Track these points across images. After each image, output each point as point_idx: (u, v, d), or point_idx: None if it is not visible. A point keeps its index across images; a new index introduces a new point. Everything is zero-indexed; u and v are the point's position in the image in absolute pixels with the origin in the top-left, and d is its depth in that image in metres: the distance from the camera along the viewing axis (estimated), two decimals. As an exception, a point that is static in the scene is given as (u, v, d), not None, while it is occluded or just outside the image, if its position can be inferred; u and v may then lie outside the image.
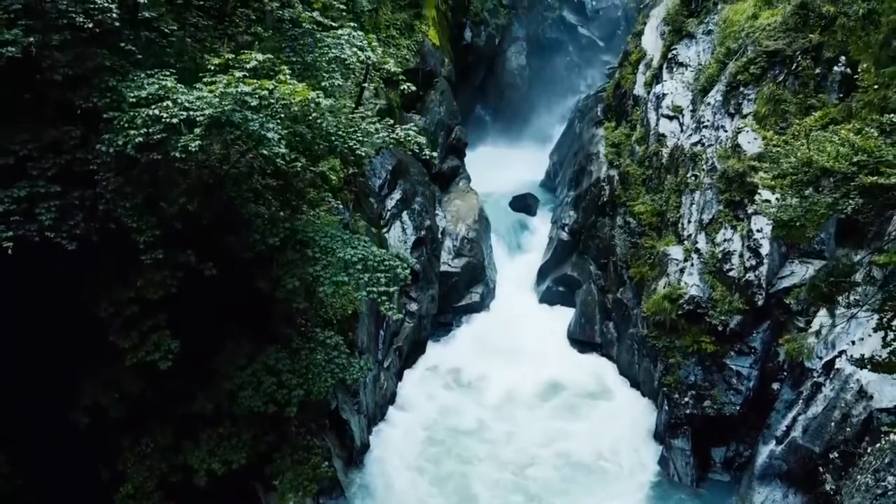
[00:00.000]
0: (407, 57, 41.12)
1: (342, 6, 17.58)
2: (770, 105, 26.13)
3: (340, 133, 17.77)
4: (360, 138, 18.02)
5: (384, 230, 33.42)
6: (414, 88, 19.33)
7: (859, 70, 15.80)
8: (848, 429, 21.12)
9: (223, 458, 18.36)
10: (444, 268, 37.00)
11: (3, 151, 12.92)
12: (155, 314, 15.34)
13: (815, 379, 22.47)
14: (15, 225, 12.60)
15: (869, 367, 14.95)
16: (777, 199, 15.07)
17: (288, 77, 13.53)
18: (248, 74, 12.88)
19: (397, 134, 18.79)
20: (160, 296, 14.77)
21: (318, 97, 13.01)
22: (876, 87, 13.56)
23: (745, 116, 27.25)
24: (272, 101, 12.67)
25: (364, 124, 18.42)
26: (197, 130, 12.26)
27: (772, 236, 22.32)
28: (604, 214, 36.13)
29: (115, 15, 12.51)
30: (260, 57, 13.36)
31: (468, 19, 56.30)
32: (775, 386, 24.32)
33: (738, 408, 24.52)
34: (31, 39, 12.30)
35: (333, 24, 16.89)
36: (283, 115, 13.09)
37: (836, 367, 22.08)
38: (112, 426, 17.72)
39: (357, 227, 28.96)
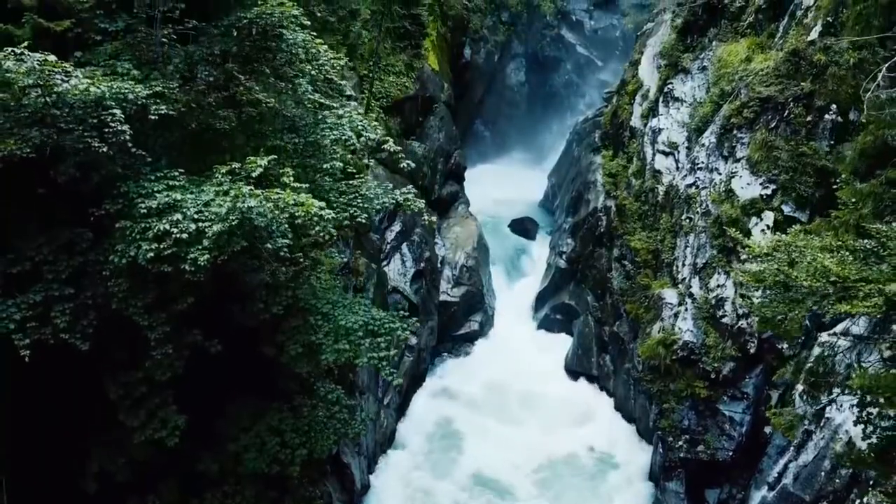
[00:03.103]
0: (406, 84, 41.61)
1: (339, 82, 17.96)
2: (763, 151, 26.56)
3: (342, 200, 18.33)
4: (361, 204, 18.55)
5: (384, 263, 33.88)
6: (403, 156, 19.74)
7: (838, 180, 16.28)
8: (837, 480, 21.60)
9: (227, 517, 18.92)
10: (443, 297, 37.47)
11: (21, 257, 13.46)
12: (162, 391, 15.85)
13: (806, 426, 22.98)
14: (31, 330, 13.13)
15: (849, 463, 15.43)
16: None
17: (291, 178, 14.02)
18: (253, 186, 13.39)
19: (397, 197, 19.28)
20: (168, 377, 15.28)
21: (322, 209, 13.50)
22: (854, 200, 14.00)
23: (738, 160, 27.71)
24: (277, 211, 13.18)
25: (364, 190, 18.94)
26: (206, 242, 12.76)
27: (758, 329, 22.82)
28: (601, 245, 36.65)
29: (127, 137, 13.00)
30: (264, 162, 13.87)
31: (468, 37, 56.69)
32: (768, 430, 24.77)
33: (730, 453, 25.01)
34: (48, 141, 12.83)
35: (334, 104, 17.37)
36: (287, 225, 13.60)
37: (826, 415, 22.59)
38: (118, 487, 18.20)
39: (357, 265, 29.47)
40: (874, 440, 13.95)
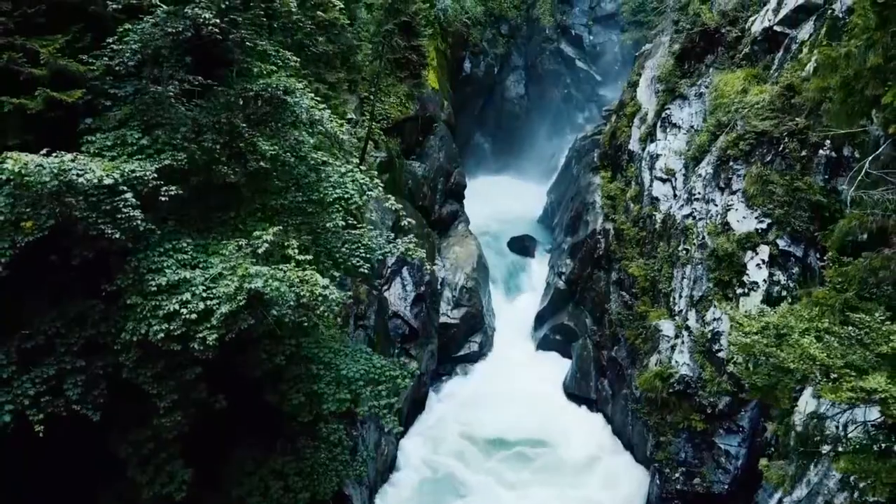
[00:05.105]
0: (407, 105, 41.95)
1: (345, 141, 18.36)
2: (758, 185, 26.90)
3: (344, 250, 18.70)
4: (363, 255, 18.90)
5: (384, 288, 34.22)
6: (404, 213, 20.09)
7: (825, 258, 16.67)
8: (830, 517, 21.99)
9: (231, 558, 19.30)
10: (443, 319, 37.78)
11: (35, 332, 13.87)
12: (169, 445, 16.24)
13: (801, 461, 23.36)
14: (45, 404, 13.55)
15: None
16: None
17: (296, 251, 14.40)
18: (259, 258, 13.83)
19: (398, 247, 19.66)
20: (174, 435, 15.68)
21: (326, 288, 13.87)
22: (840, 280, 14.36)
23: (734, 192, 28.07)
24: (283, 289, 13.55)
25: (366, 240, 19.29)
26: (214, 321, 13.16)
27: (750, 396, 23.19)
28: (599, 268, 37.01)
29: (139, 222, 13.41)
30: (269, 237, 14.25)
31: (467, 51, 57.16)
32: (763, 461, 25.16)
33: (726, 486, 25.42)
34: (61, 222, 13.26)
35: (337, 162, 17.73)
36: (292, 304, 13.98)
37: (821, 451, 22.97)
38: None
39: (358, 293, 29.81)
40: (860, 506, 14.36)
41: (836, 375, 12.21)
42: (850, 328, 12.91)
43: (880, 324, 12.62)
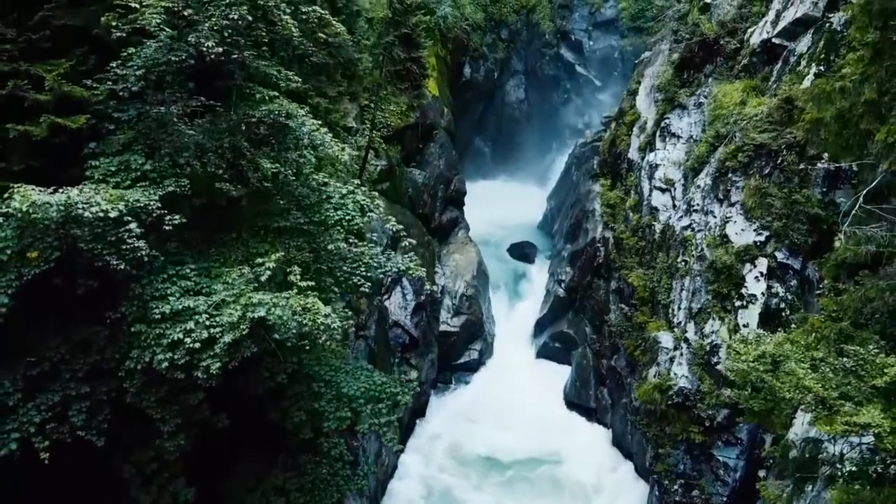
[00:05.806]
0: (407, 113, 42.07)
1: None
2: (756, 197, 27.06)
3: (345, 269, 18.86)
4: (364, 273, 19.06)
5: (385, 297, 34.34)
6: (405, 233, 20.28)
7: (822, 285, 16.82)
8: (828, 530, 22.13)
9: (234, 575, 19.47)
10: (443, 327, 37.86)
11: (40, 358, 14.03)
12: (172, 464, 16.39)
13: (798, 484, 23.49)
14: (50, 431, 13.71)
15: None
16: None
17: (298, 276, 14.56)
18: (261, 285, 13.99)
19: (399, 265, 19.81)
20: (176, 456, 15.84)
21: (328, 316, 14.02)
22: (835, 309, 14.52)
23: (732, 204, 28.23)
24: (286, 318, 13.71)
25: (366, 258, 19.43)
26: (217, 350, 13.33)
27: (746, 420, 23.34)
28: (599, 276, 37.15)
29: (144, 253, 13.57)
30: (272, 265, 14.41)
31: (467, 56, 57.27)
32: (762, 473, 25.33)
33: (725, 499, 25.57)
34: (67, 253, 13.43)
35: (338, 183, 17.88)
36: (294, 332, 14.14)
37: (818, 472, 23.11)
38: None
39: (359, 304, 29.93)
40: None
41: (830, 403, 12.39)
42: (845, 359, 13.06)
43: (874, 356, 12.78)
